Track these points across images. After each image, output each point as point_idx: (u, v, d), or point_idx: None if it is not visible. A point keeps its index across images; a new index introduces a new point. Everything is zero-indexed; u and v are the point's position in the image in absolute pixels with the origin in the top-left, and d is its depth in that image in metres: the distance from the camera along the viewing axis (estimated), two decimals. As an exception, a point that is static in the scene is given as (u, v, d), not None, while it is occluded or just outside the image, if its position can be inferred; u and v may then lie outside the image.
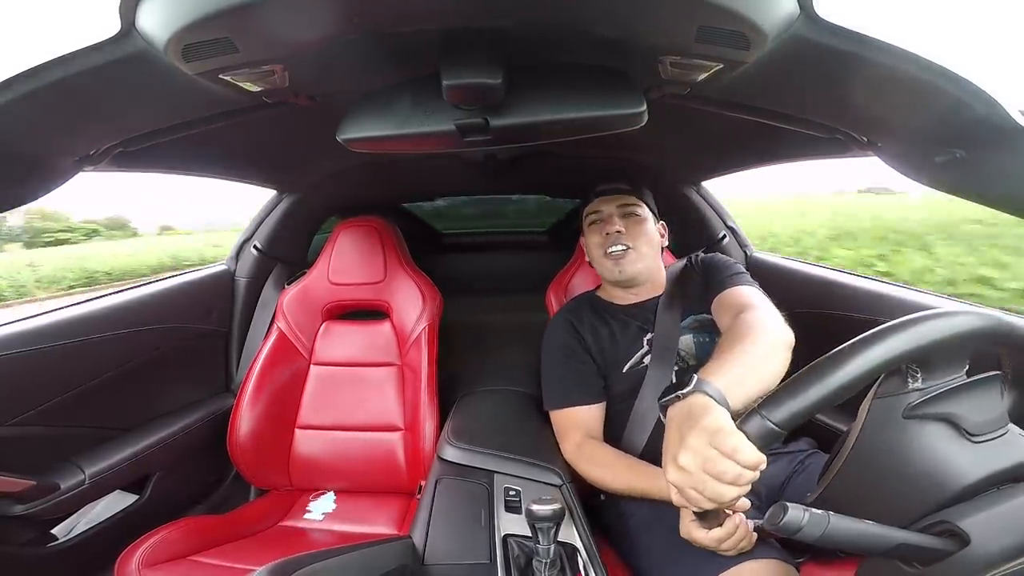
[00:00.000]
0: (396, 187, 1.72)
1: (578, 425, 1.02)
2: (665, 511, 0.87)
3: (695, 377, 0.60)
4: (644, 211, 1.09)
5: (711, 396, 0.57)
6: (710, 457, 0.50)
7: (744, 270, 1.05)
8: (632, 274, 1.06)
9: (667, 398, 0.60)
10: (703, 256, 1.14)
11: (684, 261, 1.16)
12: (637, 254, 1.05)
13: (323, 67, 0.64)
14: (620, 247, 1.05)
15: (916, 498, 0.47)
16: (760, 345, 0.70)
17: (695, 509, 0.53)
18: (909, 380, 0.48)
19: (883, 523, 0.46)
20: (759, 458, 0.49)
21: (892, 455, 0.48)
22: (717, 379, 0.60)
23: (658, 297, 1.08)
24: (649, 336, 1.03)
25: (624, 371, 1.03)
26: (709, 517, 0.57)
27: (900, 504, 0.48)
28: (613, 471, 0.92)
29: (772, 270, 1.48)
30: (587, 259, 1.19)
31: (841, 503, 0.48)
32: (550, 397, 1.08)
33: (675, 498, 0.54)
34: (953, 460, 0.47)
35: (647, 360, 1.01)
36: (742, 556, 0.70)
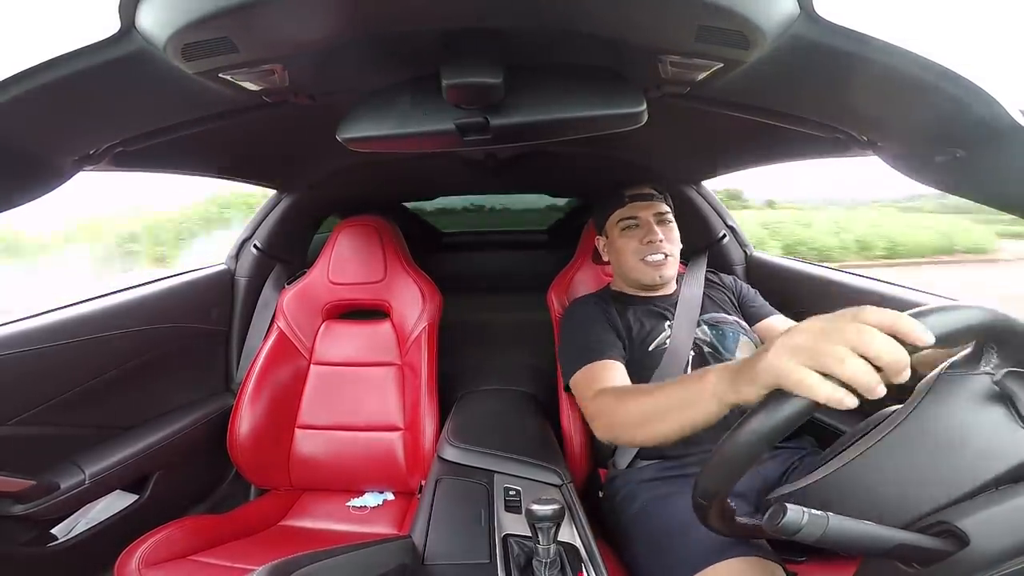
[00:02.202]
0: (396, 186, 1.72)
1: (601, 379, 0.92)
2: (659, 504, 0.88)
3: None
4: (672, 216, 1.14)
5: None
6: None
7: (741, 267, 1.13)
8: (667, 278, 1.12)
9: None
10: (733, 278, 1.25)
11: (703, 273, 1.23)
12: (672, 259, 1.11)
13: (323, 67, 0.64)
14: (660, 256, 1.09)
15: (967, 471, 0.47)
16: None
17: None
18: (982, 360, 0.49)
19: (922, 497, 0.46)
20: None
21: (952, 428, 0.48)
22: None
23: (671, 295, 1.14)
24: (669, 323, 1.08)
25: (650, 349, 1.05)
26: None
27: (951, 475, 0.47)
28: (636, 398, 0.77)
29: (772, 270, 1.48)
30: (606, 258, 1.20)
31: (883, 472, 0.49)
32: (571, 362, 1.00)
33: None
34: (1010, 440, 0.47)
35: (668, 343, 1.05)
36: (725, 552, 0.70)
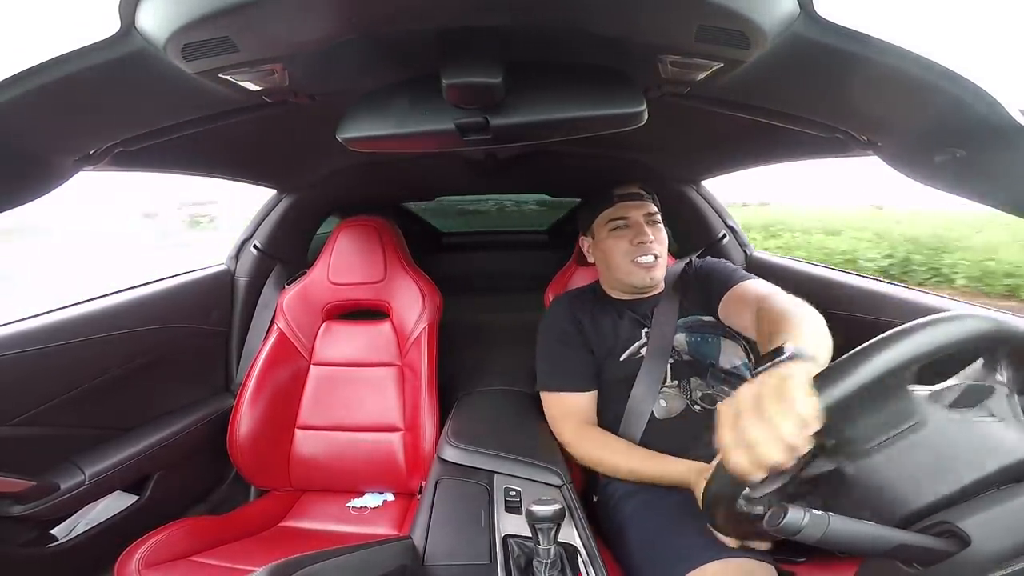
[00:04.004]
0: (396, 186, 1.72)
1: (572, 411, 1.04)
2: (652, 505, 0.88)
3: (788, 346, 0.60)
4: (660, 217, 1.12)
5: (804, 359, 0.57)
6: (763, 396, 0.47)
7: (742, 267, 1.10)
8: (657, 280, 1.09)
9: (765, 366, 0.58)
10: (700, 261, 1.17)
11: (683, 264, 1.19)
12: (662, 260, 1.09)
13: (323, 66, 0.64)
14: (651, 257, 1.07)
15: (968, 471, 0.47)
16: (813, 319, 0.73)
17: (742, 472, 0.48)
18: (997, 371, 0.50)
19: (923, 497, 0.46)
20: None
21: (957, 432, 0.49)
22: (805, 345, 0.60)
23: (657, 295, 1.12)
24: (647, 329, 1.06)
25: (621, 360, 1.04)
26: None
27: (953, 476, 0.47)
28: (620, 453, 0.95)
29: (772, 270, 1.48)
30: (594, 260, 1.18)
31: (885, 473, 0.49)
32: (543, 379, 1.10)
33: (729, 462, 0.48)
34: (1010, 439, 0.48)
35: (643, 351, 1.03)
36: (718, 552, 0.70)
